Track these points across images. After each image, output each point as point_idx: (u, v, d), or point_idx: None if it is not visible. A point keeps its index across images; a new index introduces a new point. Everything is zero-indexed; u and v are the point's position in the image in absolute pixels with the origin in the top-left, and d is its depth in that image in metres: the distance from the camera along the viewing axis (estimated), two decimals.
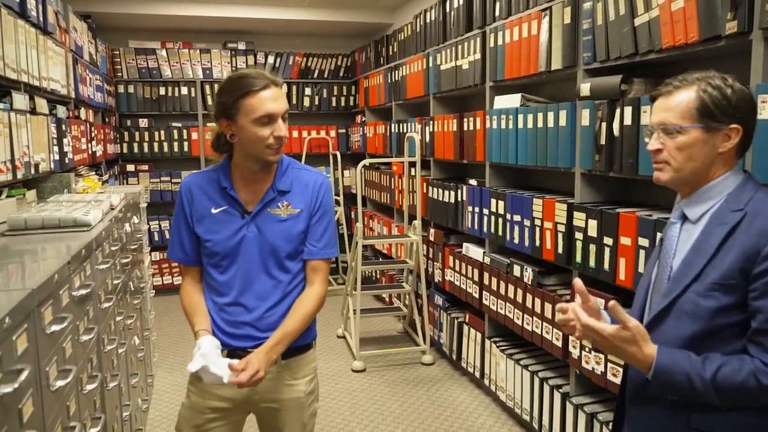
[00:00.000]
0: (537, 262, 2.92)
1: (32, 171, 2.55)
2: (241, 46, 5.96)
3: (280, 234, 1.69)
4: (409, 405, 3.40)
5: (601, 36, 2.36)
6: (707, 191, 1.32)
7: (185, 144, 5.79)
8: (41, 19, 2.93)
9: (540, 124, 2.78)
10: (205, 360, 1.57)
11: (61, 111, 3.21)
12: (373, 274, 5.37)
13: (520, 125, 2.94)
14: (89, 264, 1.83)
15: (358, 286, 4.02)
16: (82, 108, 3.93)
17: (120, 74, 5.66)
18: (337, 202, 5.68)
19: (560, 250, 2.65)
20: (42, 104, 2.81)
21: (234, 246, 1.69)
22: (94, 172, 3.84)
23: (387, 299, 5.14)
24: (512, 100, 3.07)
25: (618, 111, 2.26)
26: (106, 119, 5.09)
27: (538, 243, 2.82)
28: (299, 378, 1.75)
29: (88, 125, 3.92)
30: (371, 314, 4.70)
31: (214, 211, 1.71)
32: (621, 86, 2.26)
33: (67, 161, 3.16)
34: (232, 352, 1.69)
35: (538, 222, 2.81)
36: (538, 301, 2.81)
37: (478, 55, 3.38)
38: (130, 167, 5.71)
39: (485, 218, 3.31)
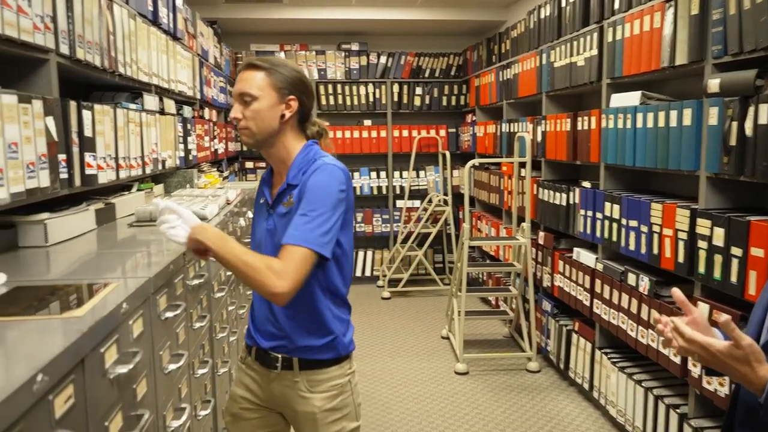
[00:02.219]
0: (654, 271, 2.73)
1: (160, 167, 2.75)
2: (355, 47, 6.08)
3: (282, 229, 1.52)
4: (512, 412, 3.31)
5: (733, 27, 2.16)
6: None
7: None
8: (171, 26, 3.15)
9: (661, 124, 2.60)
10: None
11: (187, 111, 3.44)
12: (480, 275, 5.28)
13: (639, 124, 2.77)
14: None
15: (464, 287, 3.97)
16: (206, 108, 4.19)
17: None
18: (445, 202, 5.65)
19: (681, 260, 2.46)
20: (170, 105, 3.02)
21: (260, 240, 1.63)
22: (215, 169, 4.08)
23: (493, 302, 5.04)
24: (631, 98, 2.89)
25: (752, 109, 2.06)
26: (228, 119, 5.39)
27: (655, 251, 2.64)
28: (315, 392, 1.60)
29: (211, 124, 4.17)
30: (476, 317, 4.64)
31: (261, 202, 1.68)
32: (756, 81, 2.06)
33: (191, 158, 3.38)
34: (258, 353, 1.66)
35: (656, 228, 2.63)
36: (654, 313, 2.63)
37: (594, 51, 3.22)
38: (249, 164, 6.01)
39: (598, 222, 3.15)
